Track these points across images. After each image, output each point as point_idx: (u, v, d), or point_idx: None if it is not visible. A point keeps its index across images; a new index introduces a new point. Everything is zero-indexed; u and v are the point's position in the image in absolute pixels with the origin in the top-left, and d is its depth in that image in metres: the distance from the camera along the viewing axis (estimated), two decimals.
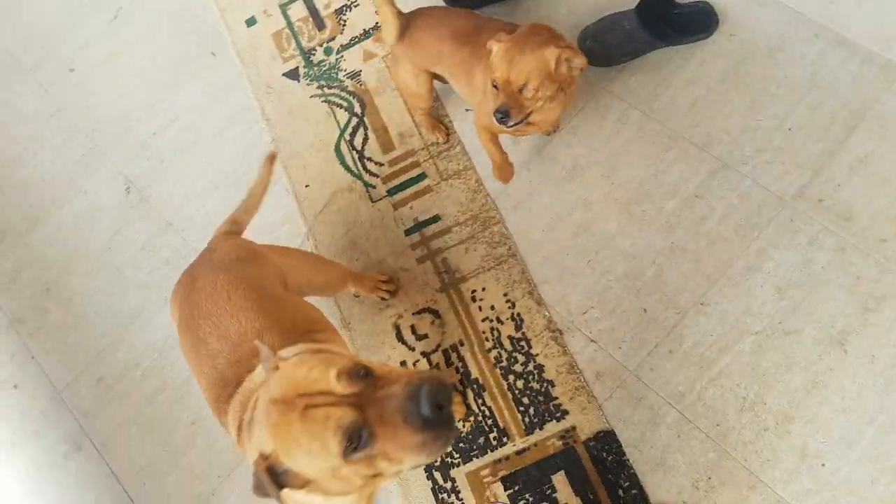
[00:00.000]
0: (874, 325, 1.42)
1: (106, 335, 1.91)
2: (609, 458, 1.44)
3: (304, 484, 0.82)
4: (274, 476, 0.80)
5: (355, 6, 2.06)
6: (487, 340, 1.61)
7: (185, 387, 1.79)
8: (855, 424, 1.35)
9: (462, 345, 1.62)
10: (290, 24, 2.11)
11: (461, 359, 1.62)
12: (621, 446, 1.45)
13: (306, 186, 1.88)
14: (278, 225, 1.87)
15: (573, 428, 1.49)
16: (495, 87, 1.33)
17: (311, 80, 2.01)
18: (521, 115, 1.33)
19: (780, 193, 1.57)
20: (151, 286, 1.93)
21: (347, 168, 1.87)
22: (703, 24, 1.75)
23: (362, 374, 0.82)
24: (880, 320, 1.42)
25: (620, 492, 1.41)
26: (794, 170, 1.58)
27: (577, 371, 1.53)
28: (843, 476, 1.33)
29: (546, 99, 1.33)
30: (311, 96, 1.98)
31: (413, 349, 1.65)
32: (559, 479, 1.46)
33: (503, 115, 1.31)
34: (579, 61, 1.30)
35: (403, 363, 1.65)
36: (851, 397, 1.37)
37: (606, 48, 1.75)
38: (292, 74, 2.04)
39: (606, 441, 1.46)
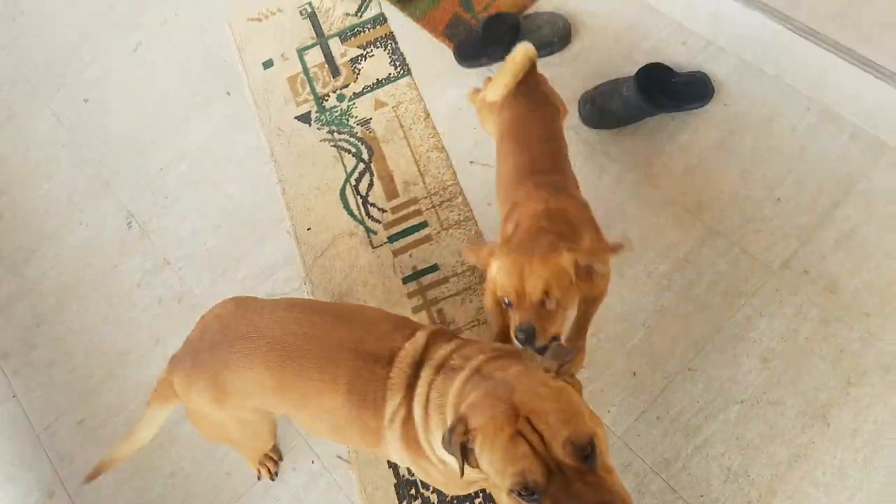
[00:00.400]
0: (856, 400, 1.43)
1: (92, 375, 1.88)
2: None
3: (474, 466, 0.90)
4: (463, 447, 0.89)
5: (370, 56, 2.13)
6: None
7: (167, 435, 1.74)
8: (835, 500, 1.36)
9: None
10: (305, 69, 2.17)
11: None
12: None
13: (308, 229, 1.91)
14: (278, 267, 1.90)
15: None
16: (507, 304, 1.13)
17: (322, 125, 2.06)
18: (550, 330, 1.10)
19: (766, 262, 1.60)
20: (143, 325, 1.92)
21: (351, 213, 1.90)
22: (699, 93, 1.81)
23: (587, 453, 0.83)
24: (862, 395, 1.44)
25: None
26: (782, 240, 1.62)
27: None
28: None
29: (570, 307, 1.14)
30: (321, 140, 2.03)
31: None
32: None
33: (528, 335, 1.09)
34: (602, 264, 1.11)
35: None
36: (833, 472, 1.38)
37: (605, 113, 1.81)
38: (304, 118, 2.09)
39: None
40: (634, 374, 1.55)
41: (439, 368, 1.03)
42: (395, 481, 1.57)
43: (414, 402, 1.03)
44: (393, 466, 1.58)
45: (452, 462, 0.98)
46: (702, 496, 1.41)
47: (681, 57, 1.89)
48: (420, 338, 1.09)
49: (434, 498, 1.54)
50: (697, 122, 1.81)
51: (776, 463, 1.41)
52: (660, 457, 1.46)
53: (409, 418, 1.04)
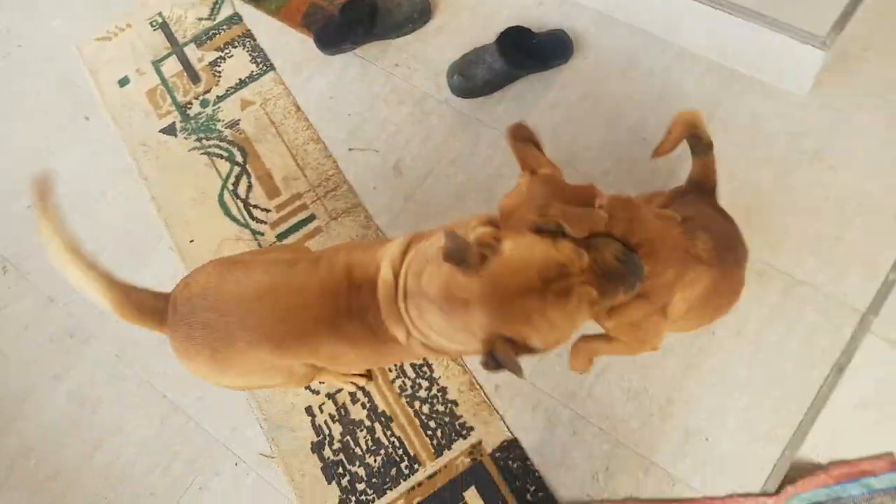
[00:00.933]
0: (736, 305, 1.69)
1: None
2: (515, 466, 1.63)
3: (533, 353, 1.03)
4: (515, 351, 0.99)
5: (230, 57, 2.27)
6: (391, 371, 1.78)
7: (81, 469, 1.83)
8: (729, 397, 1.61)
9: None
10: (164, 81, 2.28)
11: (367, 394, 1.77)
12: (525, 452, 1.64)
13: (191, 242, 2.02)
14: (166, 285, 1.97)
15: (479, 443, 1.67)
16: None
17: (188, 134, 2.17)
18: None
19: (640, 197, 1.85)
20: (38, 366, 1.98)
21: (233, 218, 2.03)
22: (559, 50, 2.06)
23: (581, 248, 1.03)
24: (742, 299, 1.69)
25: (529, 496, 1.60)
26: (651, 175, 1.88)
27: (478, 387, 1.73)
28: (724, 447, 1.58)
29: None
30: (190, 150, 2.15)
31: (318, 392, 1.80)
32: (471, 495, 1.62)
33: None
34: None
35: (309, 408, 1.78)
36: (722, 373, 1.63)
37: (473, 81, 2.03)
38: (169, 130, 2.20)
39: (511, 450, 1.65)
40: None
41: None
42: (322, 464, 1.71)
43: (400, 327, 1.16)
44: (317, 451, 1.72)
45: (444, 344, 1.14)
46: (608, 418, 1.63)
47: (539, 17, 2.15)
48: (387, 270, 1.18)
49: (361, 472, 1.69)
50: (562, 78, 2.06)
51: (671, 376, 1.65)
52: (565, 390, 1.67)
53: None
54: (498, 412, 1.69)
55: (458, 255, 0.99)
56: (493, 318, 0.99)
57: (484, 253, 1.00)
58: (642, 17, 2.07)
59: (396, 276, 1.16)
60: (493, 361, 0.98)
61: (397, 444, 1.71)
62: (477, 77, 2.03)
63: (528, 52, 2.04)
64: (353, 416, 1.75)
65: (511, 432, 1.67)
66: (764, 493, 1.52)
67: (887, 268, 1.68)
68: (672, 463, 1.58)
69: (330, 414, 1.76)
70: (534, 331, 0.99)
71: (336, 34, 2.15)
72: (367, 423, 1.74)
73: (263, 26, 2.30)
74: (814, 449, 1.55)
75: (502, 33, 2.03)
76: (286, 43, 2.26)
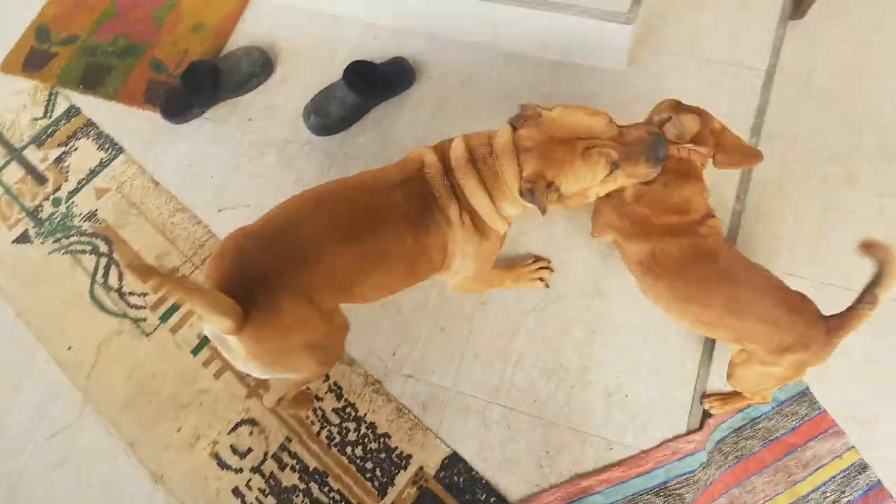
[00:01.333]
0: (615, 266, 1.62)
1: None
2: (461, 481, 1.44)
3: (558, 198, 1.17)
4: (548, 190, 1.14)
5: (75, 150, 1.96)
6: (314, 424, 1.54)
7: None
8: (634, 351, 1.52)
9: (290, 441, 1.53)
10: (7, 189, 1.93)
11: (294, 455, 1.52)
12: (467, 462, 1.46)
13: (69, 349, 1.67)
14: (49, 402, 1.65)
15: (421, 468, 1.46)
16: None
17: (44, 238, 1.84)
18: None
19: None
20: None
21: (109, 311, 1.71)
22: (403, 76, 1.94)
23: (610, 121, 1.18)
24: (618, 261, 1.61)
25: None
26: None
27: (406, 411, 1.52)
28: (644, 398, 1.48)
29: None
30: (50, 253, 1.82)
31: (241, 470, 1.52)
32: None
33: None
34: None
35: (236, 489, 1.49)
36: (623, 330, 1.55)
37: (329, 119, 1.86)
38: (22, 238, 1.85)
39: (453, 465, 1.45)
40: (442, 329, 1.59)
41: (471, 163, 1.20)
42: None
43: (472, 199, 1.21)
44: None
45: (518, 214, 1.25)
46: (535, 401, 1.49)
47: (377, 49, 2.02)
48: (429, 154, 1.23)
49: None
50: (412, 100, 1.93)
51: (579, 345, 1.53)
52: (489, 387, 1.52)
53: (472, 212, 1.22)
54: (431, 430, 1.49)
55: (517, 117, 1.19)
56: (540, 160, 1.14)
57: (531, 115, 1.17)
58: (467, 32, 2.01)
59: (441, 160, 1.22)
60: (529, 192, 1.14)
61: (338, 498, 1.46)
62: (332, 113, 1.85)
63: (375, 82, 1.89)
64: (285, 484, 1.49)
65: (449, 446, 1.47)
66: (690, 432, 1.42)
67: (732, 201, 1.66)
68: (604, 427, 1.46)
69: (259, 489, 1.49)
70: (563, 176, 1.14)
71: (182, 102, 1.91)
72: (302, 485, 1.48)
73: (104, 112, 2.01)
74: (721, 379, 1.48)
75: (347, 68, 1.88)
76: (132, 123, 1.98)
